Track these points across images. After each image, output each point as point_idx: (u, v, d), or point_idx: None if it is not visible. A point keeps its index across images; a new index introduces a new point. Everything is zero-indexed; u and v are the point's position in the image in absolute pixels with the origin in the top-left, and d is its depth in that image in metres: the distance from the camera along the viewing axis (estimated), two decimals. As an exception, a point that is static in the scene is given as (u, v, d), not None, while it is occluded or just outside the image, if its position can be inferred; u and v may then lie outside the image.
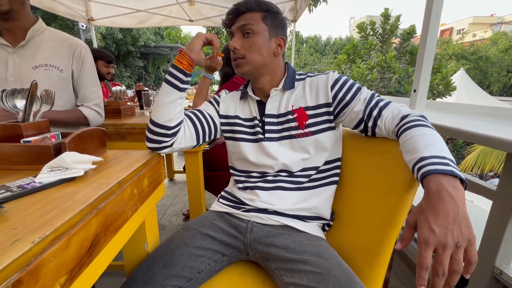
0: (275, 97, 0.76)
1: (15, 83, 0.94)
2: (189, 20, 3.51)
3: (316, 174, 0.76)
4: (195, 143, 0.79)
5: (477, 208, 1.20)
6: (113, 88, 1.46)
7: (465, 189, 0.46)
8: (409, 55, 6.06)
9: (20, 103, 0.67)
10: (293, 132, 0.74)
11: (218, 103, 0.85)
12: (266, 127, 0.76)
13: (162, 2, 3.21)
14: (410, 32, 6.08)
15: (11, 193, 0.45)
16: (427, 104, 1.19)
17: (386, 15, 6.14)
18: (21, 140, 0.60)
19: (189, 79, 0.73)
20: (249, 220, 0.75)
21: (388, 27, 6.19)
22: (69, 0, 2.95)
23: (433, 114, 1.19)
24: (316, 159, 0.75)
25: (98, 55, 2.10)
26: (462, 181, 0.46)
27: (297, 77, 0.78)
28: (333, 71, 0.75)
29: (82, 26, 5.47)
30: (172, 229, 1.94)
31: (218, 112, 0.83)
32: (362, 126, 0.70)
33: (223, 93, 0.88)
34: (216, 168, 1.53)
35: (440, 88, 5.68)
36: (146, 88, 2.12)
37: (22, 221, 0.37)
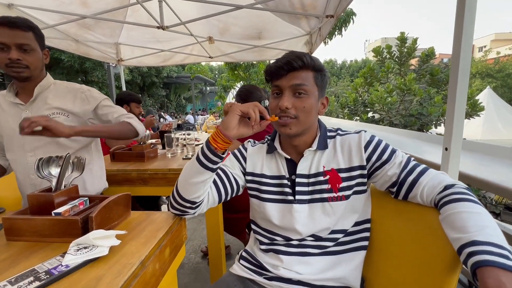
0: (308, 156, 0.73)
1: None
2: (209, 57, 3.71)
3: (344, 237, 0.72)
4: (216, 204, 0.78)
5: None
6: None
7: None
8: (429, 76, 5.92)
9: (54, 170, 0.71)
10: (325, 195, 0.70)
11: (245, 159, 0.80)
12: (297, 188, 0.72)
13: (184, 42, 3.43)
14: (429, 54, 5.99)
15: (39, 282, 0.45)
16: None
17: (402, 39, 6.13)
18: (52, 212, 0.62)
19: (223, 161, 0.68)
20: None
21: (405, 50, 6.14)
22: (101, 45, 3.26)
23: (468, 158, 1.09)
24: (345, 221, 0.71)
25: (129, 98, 2.26)
26: None
27: (328, 134, 0.75)
28: (365, 131, 0.72)
29: (112, 63, 6.01)
30: (190, 267, 1.88)
31: (244, 169, 0.79)
32: (394, 189, 0.67)
33: (249, 146, 0.82)
34: (235, 210, 1.51)
35: (467, 109, 5.41)
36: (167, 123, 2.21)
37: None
